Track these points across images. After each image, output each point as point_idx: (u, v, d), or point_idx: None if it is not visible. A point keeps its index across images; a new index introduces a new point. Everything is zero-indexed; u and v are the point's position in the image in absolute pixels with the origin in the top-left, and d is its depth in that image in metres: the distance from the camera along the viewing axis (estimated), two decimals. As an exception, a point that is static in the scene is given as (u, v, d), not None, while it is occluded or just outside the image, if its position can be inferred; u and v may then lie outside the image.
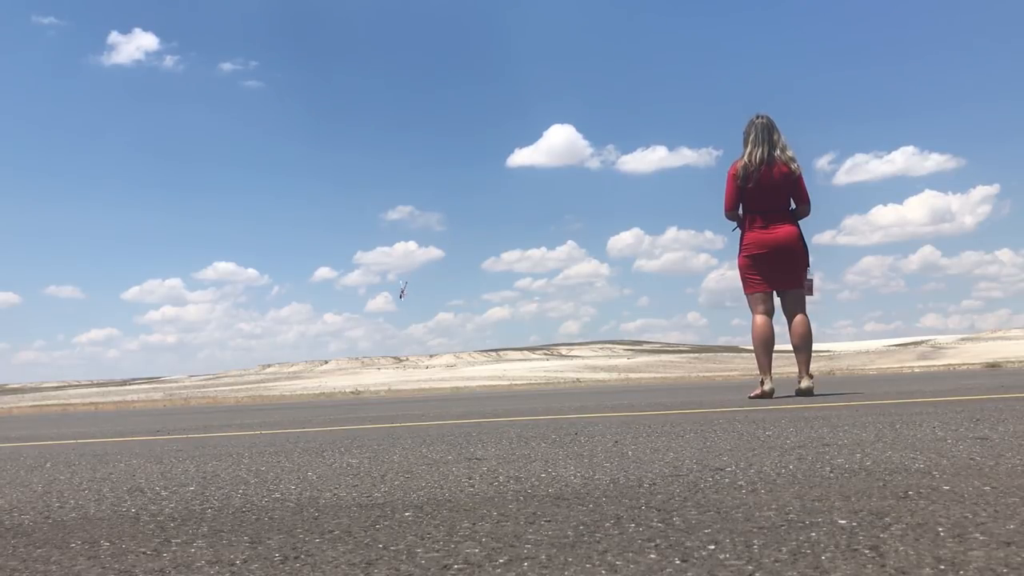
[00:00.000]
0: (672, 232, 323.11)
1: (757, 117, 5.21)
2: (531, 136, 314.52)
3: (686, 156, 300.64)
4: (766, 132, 5.14)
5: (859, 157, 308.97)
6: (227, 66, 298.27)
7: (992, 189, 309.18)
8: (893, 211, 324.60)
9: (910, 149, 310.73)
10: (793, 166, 5.12)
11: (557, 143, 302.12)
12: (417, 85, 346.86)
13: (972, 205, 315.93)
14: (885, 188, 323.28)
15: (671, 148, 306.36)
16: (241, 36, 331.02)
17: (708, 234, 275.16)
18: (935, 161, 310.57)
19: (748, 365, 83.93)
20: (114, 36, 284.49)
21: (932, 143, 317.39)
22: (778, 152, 5.12)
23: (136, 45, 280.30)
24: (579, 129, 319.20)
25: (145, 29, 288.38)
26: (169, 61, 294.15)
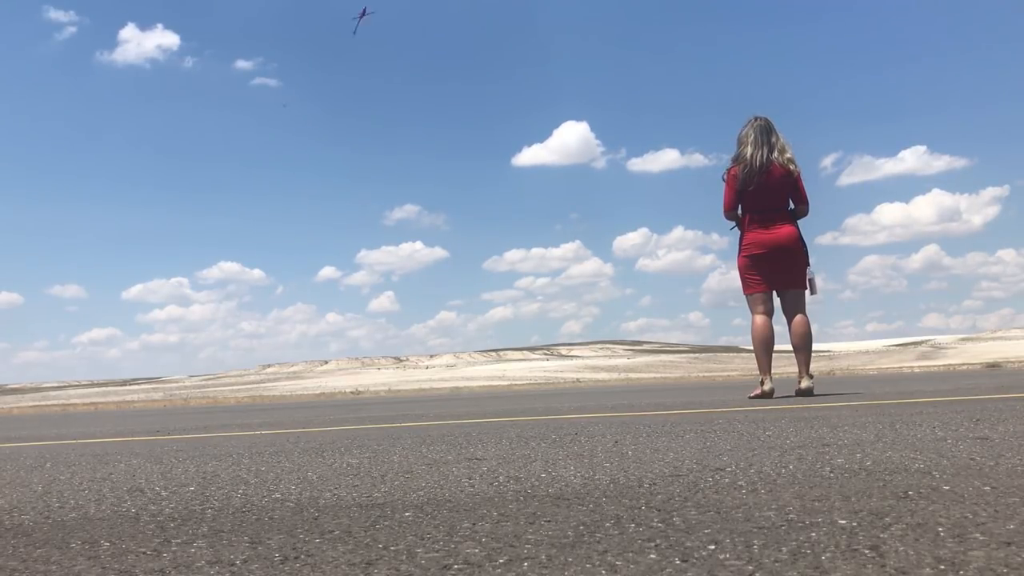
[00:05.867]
0: (678, 232, 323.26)
1: (755, 119, 5.21)
2: (542, 133, 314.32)
3: (697, 159, 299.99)
4: (765, 134, 5.14)
5: (867, 157, 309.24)
6: (241, 64, 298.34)
7: (1002, 191, 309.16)
8: (900, 210, 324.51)
9: (921, 149, 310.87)
10: (792, 167, 5.12)
11: (569, 141, 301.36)
12: (428, 81, 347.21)
13: (980, 205, 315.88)
14: (891, 188, 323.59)
15: (683, 151, 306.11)
16: (250, 34, 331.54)
17: (715, 236, 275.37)
18: (945, 161, 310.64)
19: (748, 365, 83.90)
20: (124, 33, 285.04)
21: (942, 144, 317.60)
22: (776, 154, 5.12)
23: (147, 43, 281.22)
24: (593, 128, 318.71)
25: (152, 27, 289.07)
26: (181, 59, 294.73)
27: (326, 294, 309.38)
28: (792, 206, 5.21)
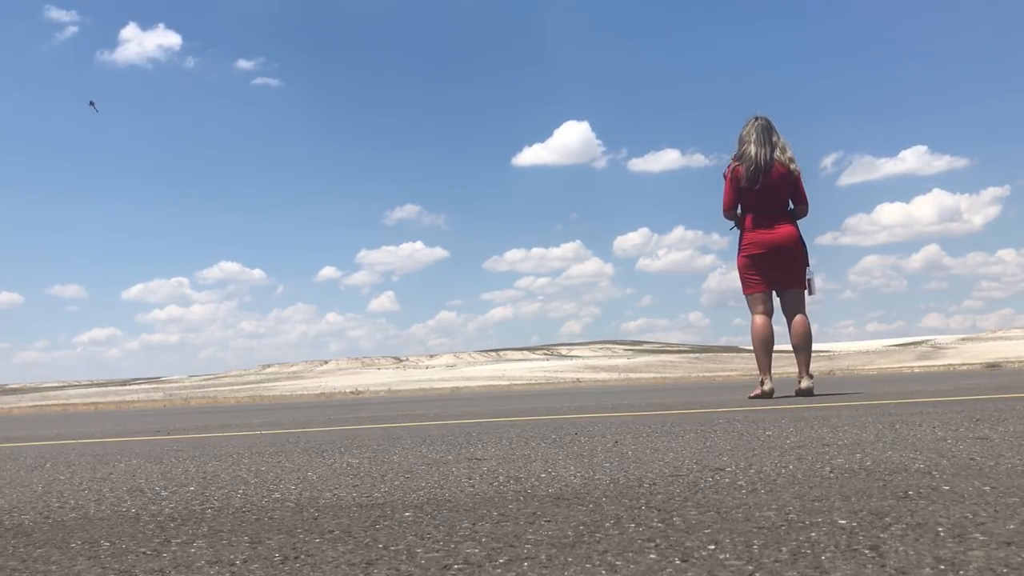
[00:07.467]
0: (679, 232, 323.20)
1: (756, 118, 5.21)
2: (543, 133, 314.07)
3: (697, 159, 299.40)
4: (767, 133, 5.14)
5: (867, 157, 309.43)
6: (242, 63, 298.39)
7: (1002, 191, 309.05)
8: (900, 210, 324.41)
9: (921, 148, 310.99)
10: (792, 167, 5.12)
11: (570, 140, 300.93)
12: (428, 81, 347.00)
13: (981, 205, 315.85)
14: (891, 188, 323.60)
15: (683, 151, 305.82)
16: (251, 34, 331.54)
17: (715, 236, 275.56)
18: (945, 161, 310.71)
19: (748, 365, 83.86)
20: (125, 33, 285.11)
21: (943, 144, 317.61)
22: (777, 153, 5.12)
23: (148, 42, 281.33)
24: (593, 127, 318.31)
25: (154, 27, 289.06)
26: (182, 59, 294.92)
27: (326, 294, 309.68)
28: (792, 206, 5.22)
